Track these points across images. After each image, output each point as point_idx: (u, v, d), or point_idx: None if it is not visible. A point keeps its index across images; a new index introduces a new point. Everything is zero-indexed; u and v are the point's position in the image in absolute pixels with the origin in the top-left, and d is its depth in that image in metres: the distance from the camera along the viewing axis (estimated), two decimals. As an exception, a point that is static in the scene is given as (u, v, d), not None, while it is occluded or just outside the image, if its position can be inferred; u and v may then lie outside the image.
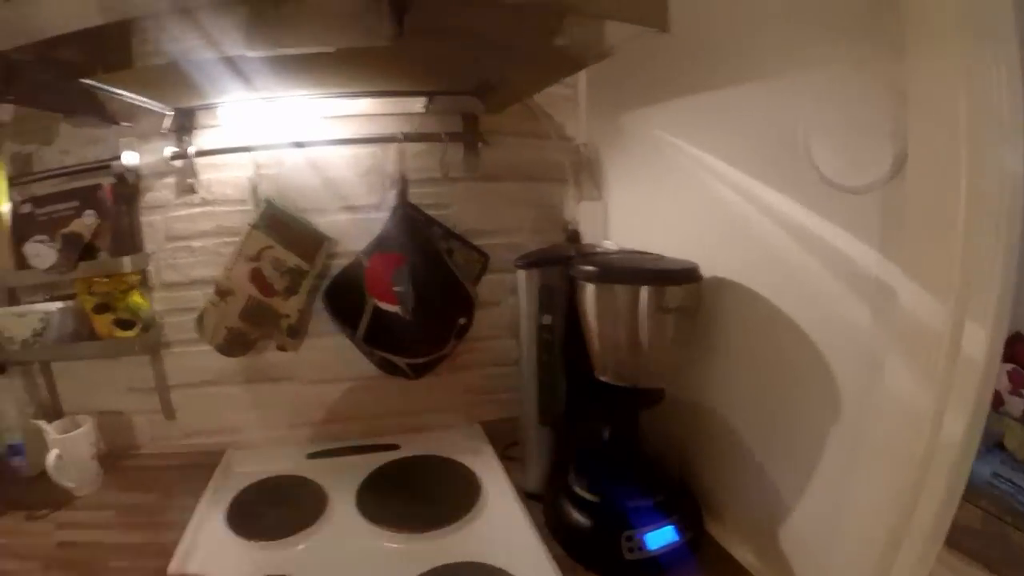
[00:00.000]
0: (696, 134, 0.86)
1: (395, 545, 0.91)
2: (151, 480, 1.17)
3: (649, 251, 0.91)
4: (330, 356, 1.16)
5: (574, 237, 1.17)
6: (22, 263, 1.16)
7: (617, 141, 1.11)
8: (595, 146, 1.17)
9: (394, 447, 1.16)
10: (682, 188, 0.92)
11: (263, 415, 1.19)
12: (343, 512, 1.00)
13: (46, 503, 1.14)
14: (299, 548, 0.91)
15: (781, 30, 0.67)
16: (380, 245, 1.10)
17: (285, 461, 1.15)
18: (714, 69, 0.80)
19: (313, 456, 1.16)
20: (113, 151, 1.16)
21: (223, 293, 1.09)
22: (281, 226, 1.10)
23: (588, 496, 0.87)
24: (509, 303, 1.18)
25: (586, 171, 1.17)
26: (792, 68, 0.66)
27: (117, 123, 1.14)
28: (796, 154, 0.64)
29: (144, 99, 1.01)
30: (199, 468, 1.14)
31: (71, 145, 1.18)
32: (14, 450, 1.21)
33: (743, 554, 0.82)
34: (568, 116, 1.18)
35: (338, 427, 1.20)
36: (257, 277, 1.09)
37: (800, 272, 0.67)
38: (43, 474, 1.19)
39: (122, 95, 0.95)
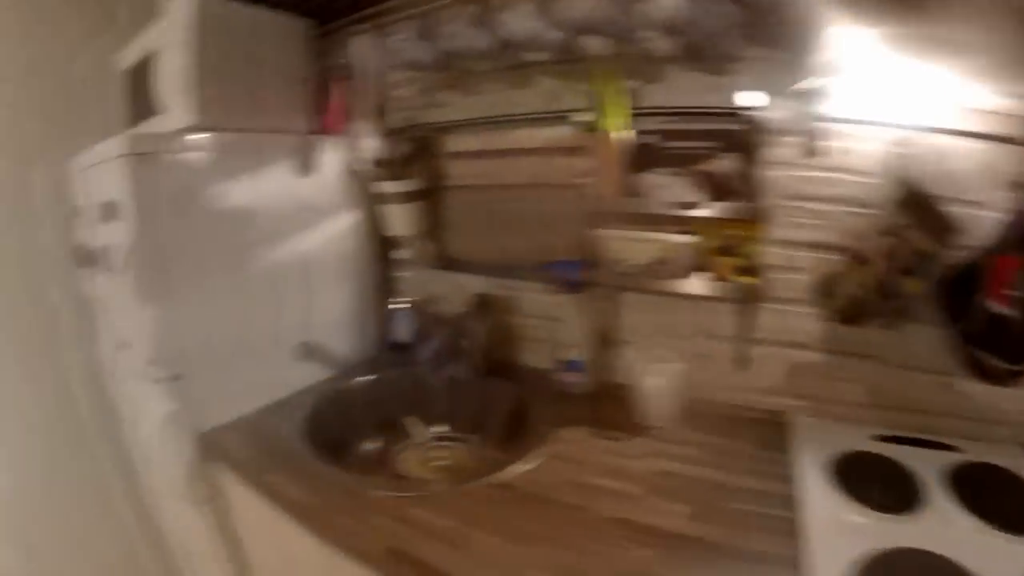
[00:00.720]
0: None
1: (1002, 543, 0.89)
2: (722, 425, 1.16)
3: None
4: (917, 344, 1.17)
5: None
6: (628, 191, 1.15)
7: None
8: None
9: (955, 449, 1.17)
10: None
11: (835, 387, 1.19)
12: (941, 500, 0.99)
13: (612, 425, 1.13)
14: (913, 526, 0.92)
15: None
16: (1002, 245, 1.14)
17: (853, 437, 1.14)
18: None
19: (881, 439, 1.15)
20: (726, 100, 1.17)
21: (857, 261, 1.11)
22: (919, 207, 1.13)
23: None
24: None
25: None
26: None
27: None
28: None
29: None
30: (763, 424, 1.15)
31: (685, 87, 1.19)
32: (572, 366, 1.19)
33: None
34: None
35: (898, 415, 1.20)
36: (889, 252, 1.11)
37: None
38: (594, 393, 1.17)
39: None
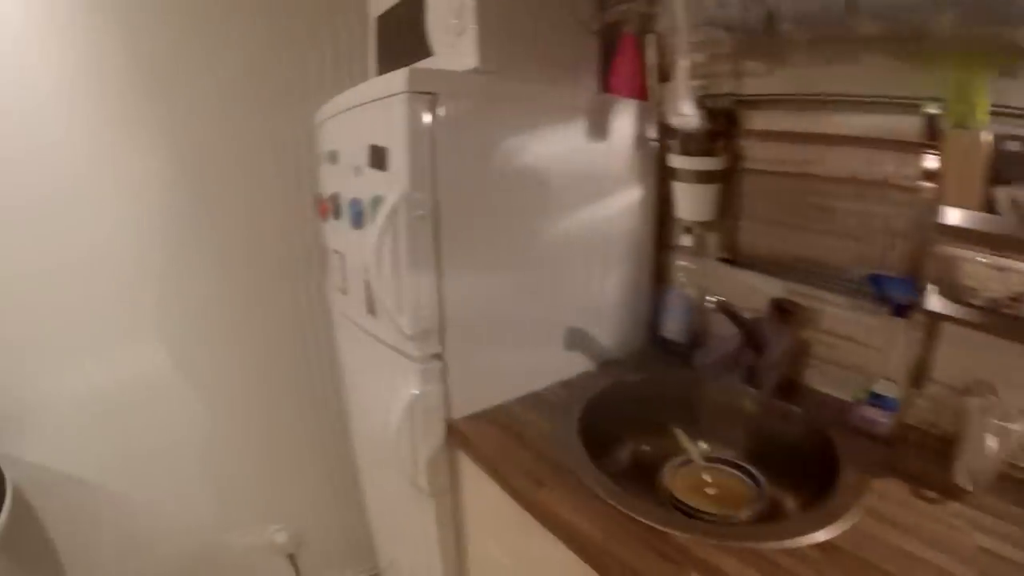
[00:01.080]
0: None
1: None
2: (1025, 497, 0.97)
3: None
4: None
5: None
6: (985, 205, 0.96)
7: None
8: None
9: None
10: None
11: None
12: None
13: (927, 483, 0.96)
14: None
15: None
16: None
17: None
18: None
19: None
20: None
21: None
22: None
23: None
24: None
25: None
26: None
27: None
28: None
29: None
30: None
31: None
32: (881, 402, 1.02)
33: None
34: None
35: None
36: None
37: None
38: (902, 438, 1.02)
39: None
